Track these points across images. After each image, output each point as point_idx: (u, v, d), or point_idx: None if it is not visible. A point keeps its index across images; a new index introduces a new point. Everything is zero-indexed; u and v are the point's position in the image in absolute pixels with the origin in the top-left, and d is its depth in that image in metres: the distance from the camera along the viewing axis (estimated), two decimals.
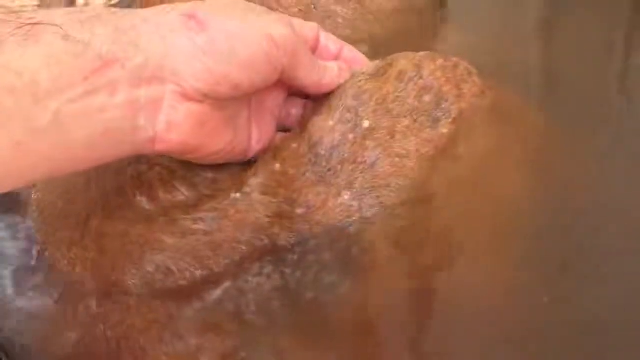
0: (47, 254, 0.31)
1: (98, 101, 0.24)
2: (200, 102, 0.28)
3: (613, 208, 0.34)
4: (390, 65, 0.35)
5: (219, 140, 0.30)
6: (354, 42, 0.44)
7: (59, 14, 0.25)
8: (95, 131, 0.25)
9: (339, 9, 0.46)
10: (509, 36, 0.48)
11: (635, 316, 0.29)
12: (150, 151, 0.28)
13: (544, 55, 0.47)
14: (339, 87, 0.34)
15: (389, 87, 0.34)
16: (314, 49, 0.35)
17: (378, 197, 0.32)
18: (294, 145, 0.32)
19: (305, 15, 0.45)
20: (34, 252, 0.32)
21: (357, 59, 0.36)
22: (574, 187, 0.35)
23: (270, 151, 0.33)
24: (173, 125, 0.27)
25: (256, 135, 0.33)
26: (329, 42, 0.36)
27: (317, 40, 0.35)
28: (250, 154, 0.33)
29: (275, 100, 0.34)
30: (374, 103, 0.33)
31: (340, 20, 0.46)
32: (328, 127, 0.32)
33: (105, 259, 0.30)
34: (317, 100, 0.34)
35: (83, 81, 0.24)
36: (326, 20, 0.45)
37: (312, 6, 0.46)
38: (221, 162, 0.32)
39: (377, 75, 0.34)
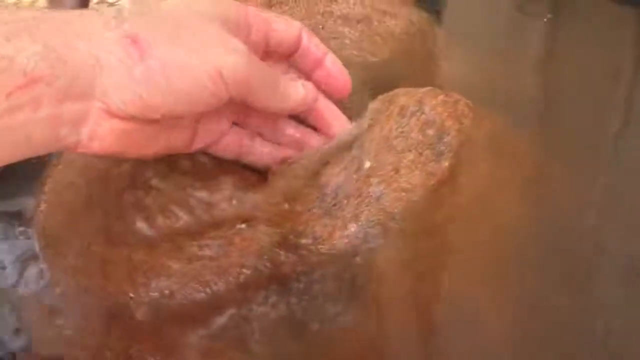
0: (51, 277, 0.31)
1: (21, 117, 0.24)
2: (128, 120, 0.27)
3: (610, 237, 0.35)
4: (391, 102, 0.36)
5: (151, 146, 0.29)
6: (358, 62, 0.45)
7: None
8: (16, 140, 0.24)
9: (346, 30, 0.47)
10: (509, 63, 0.48)
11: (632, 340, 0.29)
12: (73, 151, 0.27)
13: (543, 85, 0.47)
14: (343, 131, 0.35)
15: (391, 123, 0.35)
16: (295, 49, 0.34)
17: (383, 229, 0.32)
18: (305, 191, 0.33)
19: None
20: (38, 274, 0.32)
21: (337, 73, 0.35)
22: (570, 215, 0.36)
23: (279, 192, 0.33)
24: (96, 136, 0.27)
25: (202, 133, 0.32)
26: (312, 44, 0.34)
27: (299, 40, 0.34)
28: (192, 149, 0.32)
29: (230, 106, 0.31)
30: (375, 144, 0.34)
31: (347, 42, 0.46)
32: (334, 174, 0.33)
33: (110, 285, 0.30)
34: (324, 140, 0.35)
35: (6, 97, 0.23)
36: (332, 40, 0.46)
37: (320, 26, 0.46)
38: (159, 157, 0.31)
39: (379, 114, 0.35)
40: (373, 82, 0.43)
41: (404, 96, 0.36)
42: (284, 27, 0.33)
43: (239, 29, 0.30)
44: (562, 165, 0.38)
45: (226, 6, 0.30)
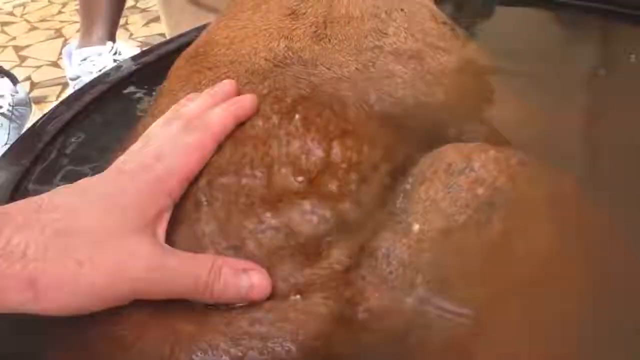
0: None
1: None
2: None
3: None
4: (438, 158, 0.34)
5: None
6: (411, 104, 0.42)
7: None
8: None
9: (397, 67, 0.45)
10: (571, 109, 0.46)
11: None
12: None
13: (609, 135, 0.44)
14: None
15: (438, 183, 0.33)
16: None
17: (440, 302, 0.30)
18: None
19: (362, 73, 0.43)
20: None
21: None
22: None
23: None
24: None
25: None
26: None
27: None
28: None
29: None
30: (422, 206, 0.32)
31: (399, 81, 0.44)
32: (383, 238, 0.32)
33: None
34: None
35: None
36: (384, 80, 0.44)
37: (371, 64, 0.44)
38: None
39: (425, 171, 0.33)
40: (424, 127, 0.42)
41: (451, 152, 0.34)
42: None
43: None
44: (630, 229, 0.36)
45: None
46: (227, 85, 0.37)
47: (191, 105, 0.36)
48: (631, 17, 0.57)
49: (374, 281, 0.31)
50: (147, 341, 0.28)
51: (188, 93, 0.38)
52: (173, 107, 0.36)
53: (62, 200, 0.29)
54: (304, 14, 0.43)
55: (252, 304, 0.29)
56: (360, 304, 0.30)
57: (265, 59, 0.40)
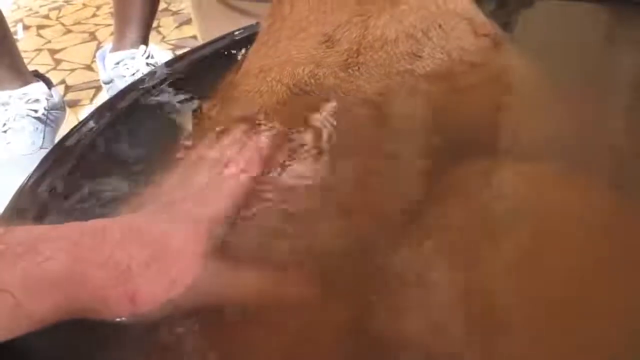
0: None
1: None
2: None
3: None
4: (464, 173, 0.34)
5: None
6: (440, 123, 0.41)
7: None
8: None
9: (425, 88, 0.44)
10: (602, 116, 0.44)
11: None
12: None
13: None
14: None
15: (461, 197, 0.33)
16: None
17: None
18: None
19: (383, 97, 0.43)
20: None
21: None
22: None
23: None
24: None
25: None
26: None
27: None
28: None
29: None
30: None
31: (427, 100, 0.44)
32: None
33: None
34: None
35: None
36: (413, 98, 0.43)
37: (397, 88, 0.43)
38: None
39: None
40: (453, 146, 0.40)
41: (475, 167, 0.34)
42: None
43: None
44: None
45: None
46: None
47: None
48: None
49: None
50: None
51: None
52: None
53: (151, 223, 0.31)
54: (339, 40, 0.43)
55: None
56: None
57: (287, 86, 0.40)
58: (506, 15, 0.55)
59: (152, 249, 0.29)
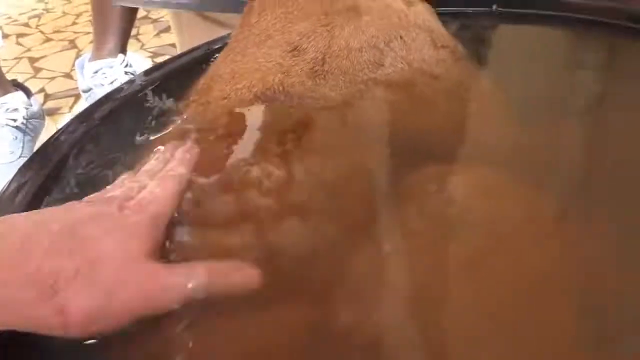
0: None
1: None
2: None
3: None
4: (417, 179, 0.35)
5: None
6: (399, 129, 0.42)
7: None
8: None
9: (386, 96, 0.45)
10: (557, 126, 0.45)
11: None
12: None
13: (589, 151, 0.44)
14: None
15: (414, 203, 0.34)
16: None
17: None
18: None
19: (348, 104, 0.45)
20: None
21: None
22: None
23: None
24: None
25: None
26: None
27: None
28: None
29: None
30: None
31: (387, 107, 0.45)
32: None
33: None
34: None
35: None
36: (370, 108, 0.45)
37: (359, 95, 0.45)
38: None
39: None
40: (408, 149, 0.41)
41: (427, 173, 0.35)
42: None
43: None
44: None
45: None
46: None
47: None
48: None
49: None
50: None
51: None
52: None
53: (83, 228, 0.29)
54: (305, 48, 0.44)
55: None
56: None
57: (255, 95, 0.42)
58: (469, 35, 0.57)
59: (82, 256, 0.28)
